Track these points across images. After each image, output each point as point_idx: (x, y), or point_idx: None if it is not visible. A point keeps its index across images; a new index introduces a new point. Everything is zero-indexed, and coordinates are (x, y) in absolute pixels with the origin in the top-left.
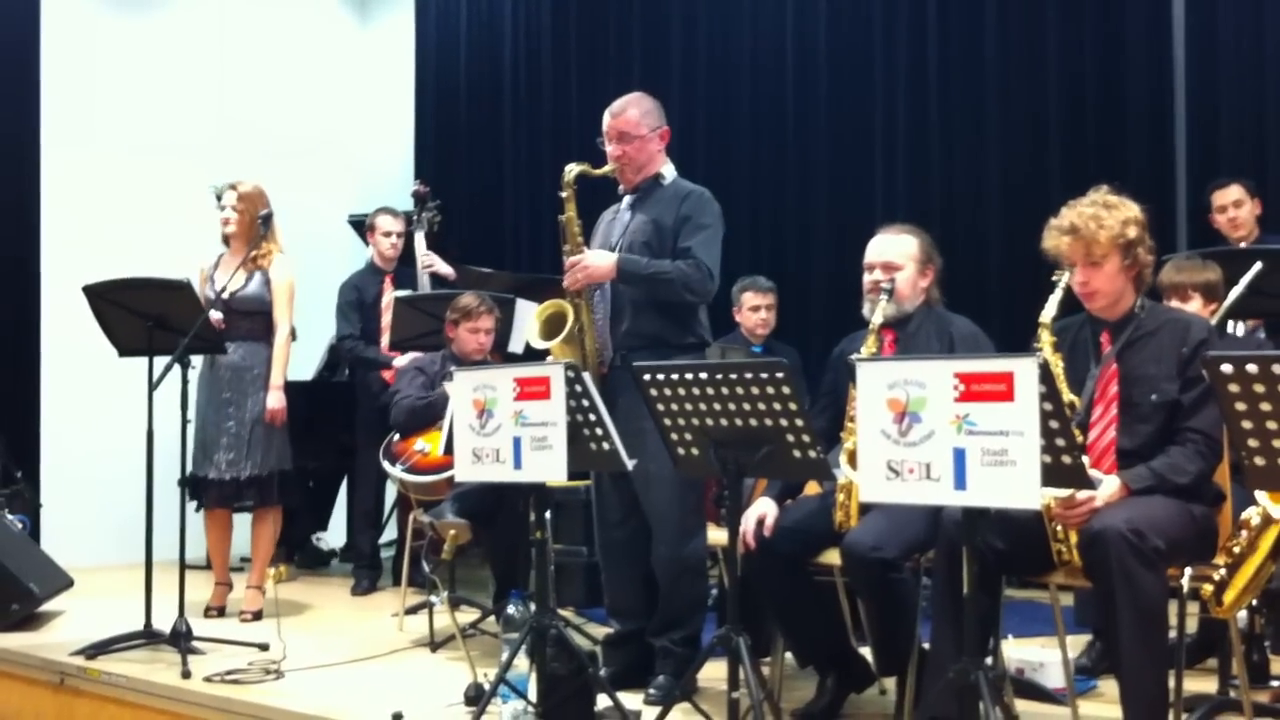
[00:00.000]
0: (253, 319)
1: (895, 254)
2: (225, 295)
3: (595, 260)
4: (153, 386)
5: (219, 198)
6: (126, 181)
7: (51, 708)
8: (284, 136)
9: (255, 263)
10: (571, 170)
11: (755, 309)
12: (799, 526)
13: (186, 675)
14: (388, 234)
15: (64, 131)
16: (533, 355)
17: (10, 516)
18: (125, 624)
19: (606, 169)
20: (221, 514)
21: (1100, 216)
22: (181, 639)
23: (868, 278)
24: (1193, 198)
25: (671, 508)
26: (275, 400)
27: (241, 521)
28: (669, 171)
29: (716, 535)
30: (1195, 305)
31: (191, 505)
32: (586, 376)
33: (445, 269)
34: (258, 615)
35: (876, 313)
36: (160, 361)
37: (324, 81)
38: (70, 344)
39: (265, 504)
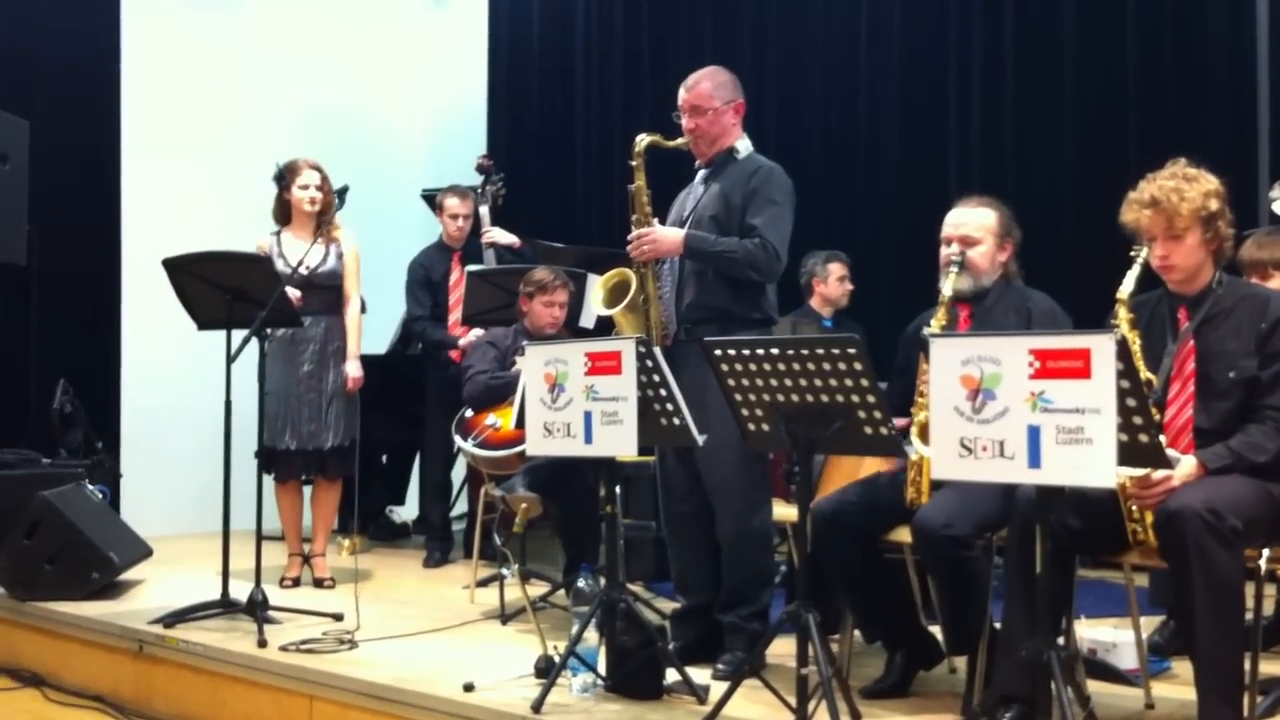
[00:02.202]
0: (328, 293)
1: (973, 227)
2: (305, 270)
3: (663, 234)
4: (231, 359)
5: (283, 176)
6: (207, 156)
7: (130, 675)
8: (360, 113)
9: (330, 237)
10: (642, 140)
11: (842, 279)
12: (869, 503)
13: (262, 644)
14: (454, 215)
15: (144, 105)
16: (603, 330)
17: (91, 487)
18: (203, 593)
19: (680, 141)
20: (295, 485)
21: (1181, 189)
22: (258, 608)
23: (945, 251)
24: (1275, 170)
25: (735, 481)
26: (356, 369)
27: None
28: (744, 146)
29: (785, 511)
30: (1277, 283)
31: (268, 477)
32: (658, 351)
33: (507, 238)
34: (334, 580)
35: (946, 285)
36: (238, 334)
37: (399, 58)
38: (150, 317)
39: (344, 473)
